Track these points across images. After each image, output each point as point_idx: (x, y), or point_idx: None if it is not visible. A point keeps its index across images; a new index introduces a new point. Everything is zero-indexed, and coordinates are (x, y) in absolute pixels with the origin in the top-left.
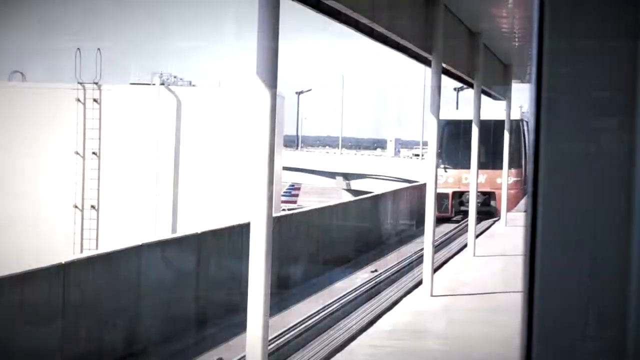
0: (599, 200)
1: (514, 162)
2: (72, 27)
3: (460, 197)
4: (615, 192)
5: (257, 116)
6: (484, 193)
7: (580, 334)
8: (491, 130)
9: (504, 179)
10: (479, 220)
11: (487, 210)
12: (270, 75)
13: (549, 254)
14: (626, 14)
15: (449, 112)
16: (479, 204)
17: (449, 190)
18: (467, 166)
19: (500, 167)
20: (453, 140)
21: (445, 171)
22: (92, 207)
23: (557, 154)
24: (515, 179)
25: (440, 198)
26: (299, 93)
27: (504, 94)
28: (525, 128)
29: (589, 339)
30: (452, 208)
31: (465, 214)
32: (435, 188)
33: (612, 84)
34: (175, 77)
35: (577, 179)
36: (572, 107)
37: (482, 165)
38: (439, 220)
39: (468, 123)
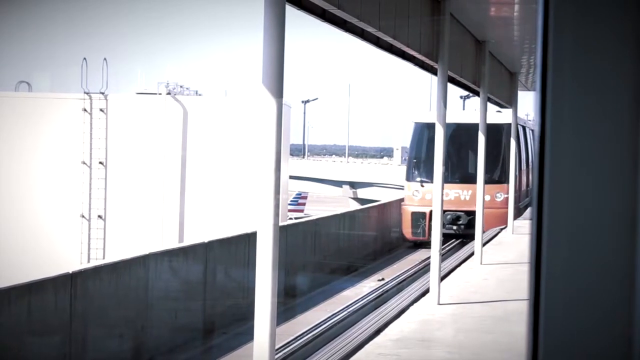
0: (605, 205)
1: (506, 175)
2: (79, 37)
3: None
4: (621, 197)
5: (263, 125)
6: (468, 213)
7: (586, 339)
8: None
9: (510, 193)
10: (462, 244)
11: (472, 234)
12: (276, 84)
13: (555, 260)
14: (631, 20)
15: (426, 114)
16: (462, 226)
17: (426, 209)
18: (448, 180)
19: (490, 181)
20: (432, 148)
21: (422, 185)
22: (99, 216)
23: (562, 159)
24: (506, 195)
25: (415, 218)
26: (305, 102)
27: (510, 101)
28: (521, 133)
29: (595, 344)
30: (429, 231)
31: (446, 237)
32: (442, 198)
33: (617, 89)
34: (181, 86)
35: (582, 185)
36: (577, 113)
37: (465, 179)
38: (413, 247)
39: (451, 127)
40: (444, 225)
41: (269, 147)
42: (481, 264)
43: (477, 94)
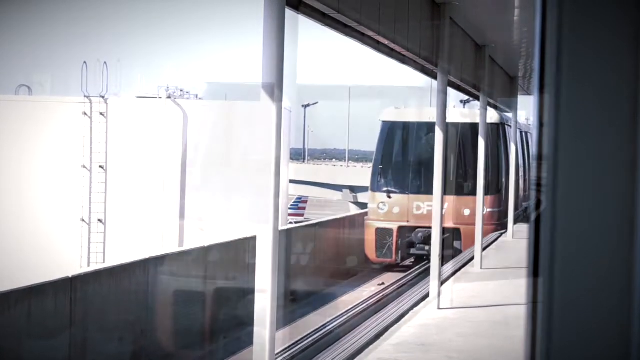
0: (605, 208)
1: (490, 185)
2: (79, 40)
3: (409, 235)
4: (622, 199)
5: (263, 129)
6: (444, 230)
7: (585, 342)
8: (457, 139)
9: (509, 205)
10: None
11: (448, 255)
12: (276, 88)
13: (554, 263)
14: (632, 19)
15: (396, 111)
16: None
17: (394, 225)
18: (421, 190)
19: (471, 193)
20: (400, 152)
21: (389, 197)
22: (99, 220)
23: (562, 161)
24: (490, 209)
25: (381, 236)
26: (305, 106)
27: (510, 105)
28: (510, 135)
29: (594, 347)
30: (397, 250)
31: (418, 259)
32: (442, 203)
33: (618, 89)
34: (181, 90)
35: (582, 187)
36: (578, 114)
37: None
38: (379, 270)
39: (426, 127)
40: (414, 245)
41: (268, 151)
42: (481, 268)
43: (477, 98)
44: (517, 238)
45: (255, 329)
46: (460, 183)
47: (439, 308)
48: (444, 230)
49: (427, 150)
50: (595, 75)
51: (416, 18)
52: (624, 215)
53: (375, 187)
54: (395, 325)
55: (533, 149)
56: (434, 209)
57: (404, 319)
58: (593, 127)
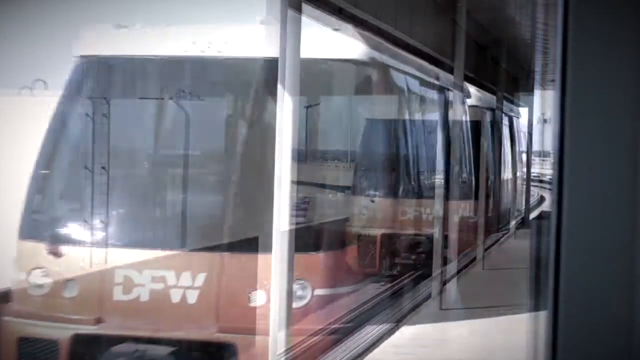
0: (610, 208)
1: (463, 188)
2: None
3: (394, 242)
4: (626, 199)
5: (265, 130)
6: (429, 238)
7: (589, 344)
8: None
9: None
10: (422, 277)
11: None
12: (278, 89)
13: (572, 261)
14: None
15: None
16: (423, 255)
17: (377, 232)
18: (409, 193)
19: (456, 197)
20: (385, 151)
21: (372, 201)
22: (101, 221)
23: (582, 159)
24: (468, 217)
25: (363, 243)
26: (307, 107)
27: (511, 104)
28: (504, 131)
29: (597, 348)
30: (380, 260)
31: (403, 268)
32: (444, 205)
33: (624, 87)
34: (183, 91)
35: (589, 186)
36: (597, 112)
37: (433, 192)
38: (359, 279)
39: (414, 124)
40: (398, 254)
41: (271, 152)
42: (483, 269)
43: (478, 98)
44: (519, 239)
45: (257, 329)
46: (447, 186)
47: (441, 308)
48: (430, 238)
49: (417, 151)
50: (602, 73)
51: (419, 20)
52: (628, 215)
53: (357, 191)
54: (396, 327)
55: (532, 148)
56: (436, 210)
57: (403, 321)
58: (599, 125)
